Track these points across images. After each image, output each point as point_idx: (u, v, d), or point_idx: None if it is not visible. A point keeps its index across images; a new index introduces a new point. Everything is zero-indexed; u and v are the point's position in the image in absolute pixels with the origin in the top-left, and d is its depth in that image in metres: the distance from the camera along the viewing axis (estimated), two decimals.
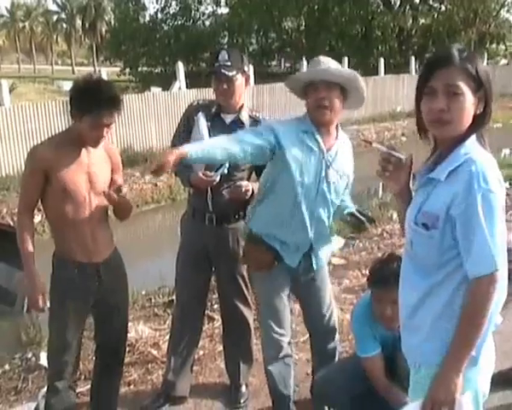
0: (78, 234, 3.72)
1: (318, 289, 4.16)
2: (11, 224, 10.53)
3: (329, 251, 4.29)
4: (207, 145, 3.60)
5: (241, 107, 4.29)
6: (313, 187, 3.79)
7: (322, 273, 4.19)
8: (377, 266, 3.83)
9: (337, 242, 4.23)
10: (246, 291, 4.55)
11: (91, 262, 3.78)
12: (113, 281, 3.91)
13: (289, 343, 4.25)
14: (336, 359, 4.40)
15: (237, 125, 4.23)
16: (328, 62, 3.77)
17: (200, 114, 4.24)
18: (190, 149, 3.39)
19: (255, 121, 4.30)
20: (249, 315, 4.64)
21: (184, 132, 4.33)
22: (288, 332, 4.18)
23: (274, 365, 4.20)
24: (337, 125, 3.92)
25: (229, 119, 4.27)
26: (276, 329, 4.10)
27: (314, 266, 4.05)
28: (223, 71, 4.07)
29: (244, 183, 4.14)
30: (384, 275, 3.66)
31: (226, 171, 4.05)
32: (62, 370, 3.91)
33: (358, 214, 3.84)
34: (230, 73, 4.08)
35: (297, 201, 3.78)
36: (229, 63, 4.08)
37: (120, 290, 4.03)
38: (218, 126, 4.22)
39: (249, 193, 4.12)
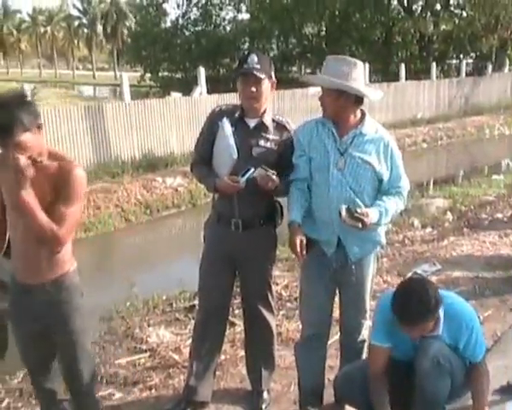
0: (14, 252, 3.53)
1: (354, 283, 4.19)
2: None
3: (371, 245, 4.21)
4: (300, 206, 4.06)
5: (265, 111, 4.28)
6: (326, 174, 3.98)
7: (361, 268, 4.19)
8: (402, 300, 3.72)
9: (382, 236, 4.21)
10: (270, 297, 4.53)
11: (25, 283, 3.50)
12: (54, 311, 3.56)
13: (324, 335, 4.39)
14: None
15: (261, 129, 4.25)
16: (336, 65, 3.94)
17: (224, 119, 4.23)
18: (298, 219, 3.97)
19: (279, 125, 4.31)
20: (272, 321, 4.62)
21: (208, 138, 4.33)
22: (321, 320, 4.31)
23: (302, 349, 4.42)
24: (362, 116, 4.07)
25: (252, 123, 4.26)
26: (311, 316, 4.30)
27: (349, 258, 4.10)
28: (254, 72, 4.06)
29: (276, 179, 4.12)
30: (409, 315, 3.67)
31: (252, 176, 4.05)
32: (35, 387, 3.89)
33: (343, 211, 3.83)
34: (262, 76, 4.09)
35: (318, 189, 4.02)
36: (258, 66, 4.07)
37: (65, 326, 3.60)
38: (242, 131, 4.23)
39: (274, 186, 4.09)
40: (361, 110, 4.07)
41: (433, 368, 3.76)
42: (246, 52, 4.31)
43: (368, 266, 4.23)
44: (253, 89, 4.11)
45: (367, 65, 23.28)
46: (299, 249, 3.88)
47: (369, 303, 4.35)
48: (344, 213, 3.75)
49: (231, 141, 4.16)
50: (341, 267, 4.12)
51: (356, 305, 4.26)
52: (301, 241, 3.89)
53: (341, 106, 3.93)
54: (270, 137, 4.26)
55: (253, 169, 4.05)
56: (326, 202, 3.99)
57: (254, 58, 4.10)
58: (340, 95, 3.89)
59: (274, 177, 4.04)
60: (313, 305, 4.27)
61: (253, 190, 4.12)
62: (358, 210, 3.80)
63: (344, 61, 3.96)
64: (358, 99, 3.97)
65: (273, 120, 4.31)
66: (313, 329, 4.32)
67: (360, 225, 3.78)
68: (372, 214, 3.86)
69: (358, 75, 3.93)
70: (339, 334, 4.60)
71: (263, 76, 4.09)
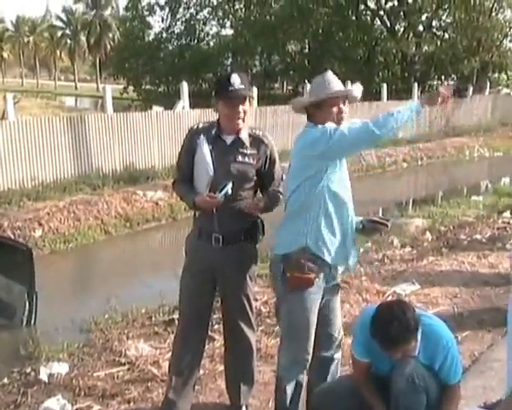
0: None
1: (335, 301, 4.32)
2: (12, 237, 10.54)
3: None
4: None
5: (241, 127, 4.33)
6: (346, 186, 4.14)
7: (338, 286, 4.34)
8: (381, 327, 3.73)
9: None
10: (250, 312, 4.54)
11: None
12: None
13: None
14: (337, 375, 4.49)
15: (238, 144, 4.28)
16: (332, 80, 4.10)
17: (201, 137, 4.26)
18: None
19: (256, 139, 4.34)
20: (252, 336, 4.62)
21: (188, 157, 4.36)
22: (310, 352, 4.27)
23: (289, 384, 4.29)
24: None
25: (229, 139, 4.28)
26: (302, 350, 4.23)
27: (338, 275, 4.23)
28: (243, 94, 4.10)
29: (261, 204, 4.24)
30: (390, 341, 3.70)
31: (230, 191, 4.09)
32: None
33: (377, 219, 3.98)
34: (249, 95, 4.15)
35: (341, 201, 4.08)
36: (243, 86, 4.10)
37: None
38: (220, 147, 4.26)
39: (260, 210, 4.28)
40: None
41: (407, 386, 3.77)
42: (226, 73, 4.32)
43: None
44: (241, 109, 4.14)
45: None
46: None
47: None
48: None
49: (208, 158, 4.19)
50: (331, 286, 4.20)
51: (335, 322, 4.33)
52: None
53: None
54: (248, 151, 4.29)
55: (230, 184, 4.09)
56: (350, 212, 4.15)
57: (237, 79, 4.10)
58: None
59: (254, 203, 4.23)
60: (307, 342, 4.22)
61: (234, 205, 4.16)
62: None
63: (330, 75, 4.14)
64: None
65: (249, 135, 4.32)
66: (301, 370, 4.28)
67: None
68: None
69: None
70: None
71: (249, 95, 4.16)
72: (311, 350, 4.24)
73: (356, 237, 4.20)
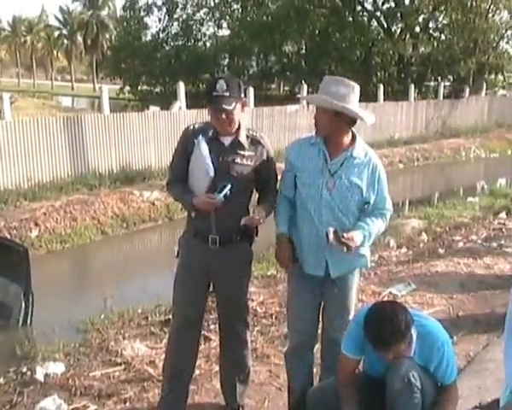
0: None
1: (337, 296, 4.29)
2: (8, 237, 10.53)
3: (354, 263, 4.30)
4: (287, 217, 4.27)
5: (239, 128, 4.29)
6: (316, 193, 4.09)
7: (344, 281, 4.29)
8: (373, 327, 3.71)
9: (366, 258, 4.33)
10: (246, 312, 4.57)
11: None
12: None
13: (310, 343, 4.52)
14: None
15: (237, 146, 4.27)
16: (335, 87, 4.01)
17: (200, 137, 4.22)
18: (286, 231, 4.21)
19: (253, 140, 4.34)
20: (247, 336, 4.64)
21: (183, 158, 4.33)
22: (307, 329, 4.40)
23: (291, 356, 4.54)
24: (353, 139, 4.18)
25: (227, 141, 4.28)
26: (297, 324, 4.41)
27: (332, 274, 4.20)
28: (223, 106, 4.06)
29: (262, 216, 4.22)
30: (381, 341, 3.69)
31: (229, 192, 4.08)
32: None
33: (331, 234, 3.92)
34: (229, 107, 4.07)
35: (305, 207, 4.15)
36: (227, 93, 4.05)
37: None
38: (218, 149, 4.24)
39: (262, 221, 4.24)
40: (352, 131, 4.16)
41: (403, 386, 3.75)
42: (215, 78, 4.31)
43: (351, 279, 4.33)
44: (224, 116, 4.12)
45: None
46: (287, 262, 4.13)
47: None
48: (331, 235, 3.84)
49: (208, 159, 4.16)
50: (324, 280, 4.22)
51: (338, 317, 4.31)
52: (289, 254, 4.13)
53: (336, 126, 4.03)
54: (246, 153, 4.29)
55: (229, 185, 4.08)
56: (315, 221, 4.12)
57: (223, 85, 4.07)
58: (337, 115, 3.97)
59: (257, 216, 4.17)
60: (299, 315, 4.37)
61: (231, 206, 4.16)
62: (345, 235, 3.91)
63: (342, 82, 4.04)
64: (353, 120, 4.07)
65: (247, 136, 4.32)
66: (300, 337, 4.43)
67: (345, 249, 3.91)
68: (357, 238, 3.99)
69: (355, 98, 4.03)
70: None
71: (233, 104, 4.10)
72: (298, 336, 4.42)
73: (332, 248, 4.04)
